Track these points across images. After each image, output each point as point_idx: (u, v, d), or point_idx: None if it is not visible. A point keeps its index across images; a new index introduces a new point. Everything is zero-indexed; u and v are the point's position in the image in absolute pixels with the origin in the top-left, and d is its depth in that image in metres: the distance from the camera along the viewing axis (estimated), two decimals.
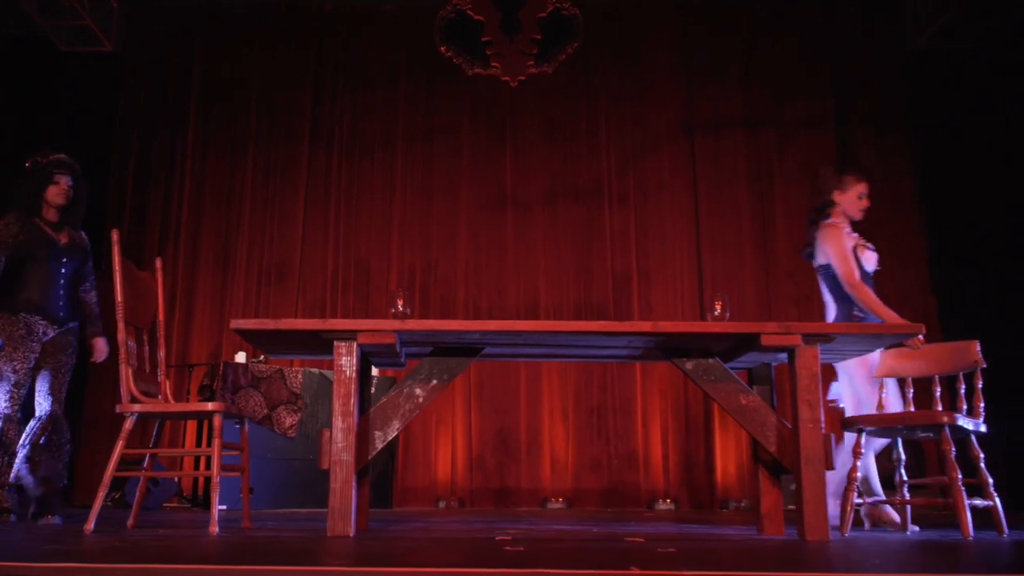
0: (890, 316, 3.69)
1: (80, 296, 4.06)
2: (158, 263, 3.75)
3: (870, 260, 3.95)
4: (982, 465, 3.30)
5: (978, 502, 3.27)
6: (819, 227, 4.02)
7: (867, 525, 3.94)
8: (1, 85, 7.11)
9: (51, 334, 3.89)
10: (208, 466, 3.24)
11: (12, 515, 3.77)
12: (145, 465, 3.55)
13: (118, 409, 3.28)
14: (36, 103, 7.31)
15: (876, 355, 3.72)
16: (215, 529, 3.04)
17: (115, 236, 3.41)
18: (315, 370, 6.08)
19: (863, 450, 3.46)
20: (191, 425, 6.76)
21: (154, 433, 3.66)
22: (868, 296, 3.77)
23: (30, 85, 7.41)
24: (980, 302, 6.55)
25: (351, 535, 2.85)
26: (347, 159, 7.74)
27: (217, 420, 3.26)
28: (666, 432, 7.22)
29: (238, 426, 3.66)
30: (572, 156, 7.73)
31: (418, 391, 3.13)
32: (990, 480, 3.30)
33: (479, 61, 7.79)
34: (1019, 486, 5.58)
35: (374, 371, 6.00)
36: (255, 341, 3.29)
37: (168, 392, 3.65)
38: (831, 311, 3.99)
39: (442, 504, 6.95)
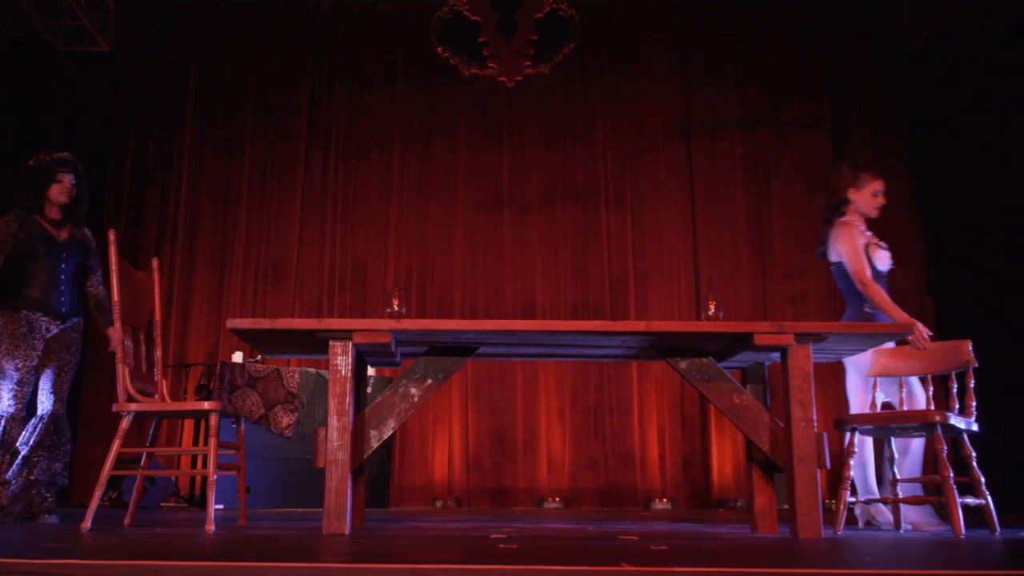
0: (899, 315, 3.69)
1: (88, 291, 4.06)
2: (155, 263, 3.76)
3: (883, 259, 3.94)
4: (974, 464, 3.33)
5: (970, 500, 3.29)
6: (833, 225, 4.00)
7: (860, 523, 3.96)
8: None
9: (54, 330, 3.89)
10: (205, 465, 3.25)
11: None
12: (142, 464, 3.56)
13: (115, 408, 3.29)
14: (33, 103, 7.31)
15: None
16: (211, 527, 3.06)
17: (112, 236, 3.43)
18: (312, 370, 6.09)
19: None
20: (188, 425, 6.77)
21: (151, 433, 3.67)
22: (878, 295, 3.77)
23: (27, 85, 7.42)
24: (977, 303, 6.58)
25: (347, 533, 2.87)
26: (344, 159, 7.76)
27: (213, 419, 3.27)
28: (662, 432, 7.24)
29: (235, 425, 3.67)
30: (569, 157, 7.74)
31: (413, 390, 3.14)
32: (982, 479, 3.33)
33: (476, 62, 7.81)
34: (1014, 486, 5.61)
35: (371, 371, 6.02)
36: (251, 341, 3.31)
37: (165, 391, 3.67)
38: (847, 308, 4.00)
39: (439, 504, 6.97)
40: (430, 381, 3.16)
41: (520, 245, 7.57)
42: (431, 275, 7.55)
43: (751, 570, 1.70)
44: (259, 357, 6.09)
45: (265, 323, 3.01)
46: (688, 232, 7.57)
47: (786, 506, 3.42)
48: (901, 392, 3.62)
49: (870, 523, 3.93)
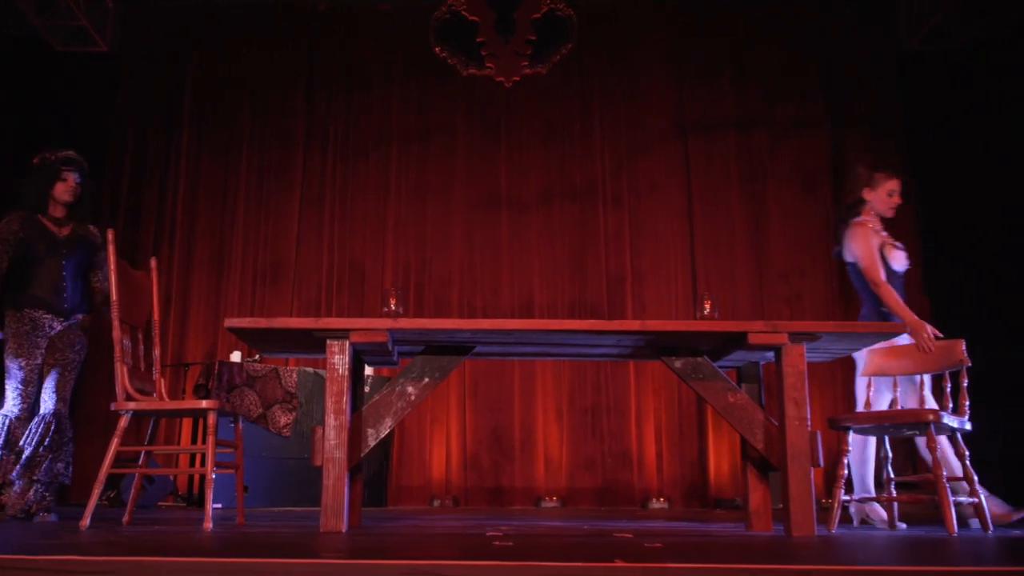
0: (908, 317, 3.69)
1: (94, 286, 4.07)
2: (153, 263, 3.78)
3: (899, 259, 3.92)
4: (967, 462, 3.35)
5: (963, 499, 3.31)
6: (848, 225, 3.99)
7: (855, 522, 3.98)
8: None
9: (57, 327, 3.91)
10: (203, 464, 3.27)
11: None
12: (140, 462, 3.58)
13: (113, 407, 3.31)
14: (32, 103, 7.32)
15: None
16: (209, 525, 3.08)
17: (111, 235, 3.45)
18: (310, 369, 6.12)
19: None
20: (186, 425, 6.80)
21: (149, 432, 3.69)
22: (890, 296, 3.77)
23: (26, 85, 7.43)
24: (975, 303, 6.59)
25: (344, 531, 2.89)
26: (342, 159, 7.78)
27: (211, 417, 3.29)
28: (660, 431, 7.26)
29: (233, 424, 3.69)
30: (566, 156, 7.77)
31: (410, 389, 3.16)
32: (975, 477, 3.35)
33: (474, 62, 7.83)
34: (1014, 486, 5.63)
35: (369, 370, 6.04)
36: (249, 340, 3.33)
37: (163, 390, 3.68)
38: (863, 308, 4.00)
39: (437, 503, 6.99)
40: (427, 380, 3.18)
41: (518, 245, 7.60)
42: (429, 275, 7.57)
43: (739, 566, 1.72)
44: (257, 356, 6.11)
45: (262, 322, 3.03)
46: (685, 232, 7.60)
47: (780, 505, 3.45)
48: (923, 391, 3.59)
49: (865, 521, 3.95)
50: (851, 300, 7.39)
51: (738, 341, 3.08)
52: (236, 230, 7.60)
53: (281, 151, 7.75)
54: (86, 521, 3.15)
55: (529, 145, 7.78)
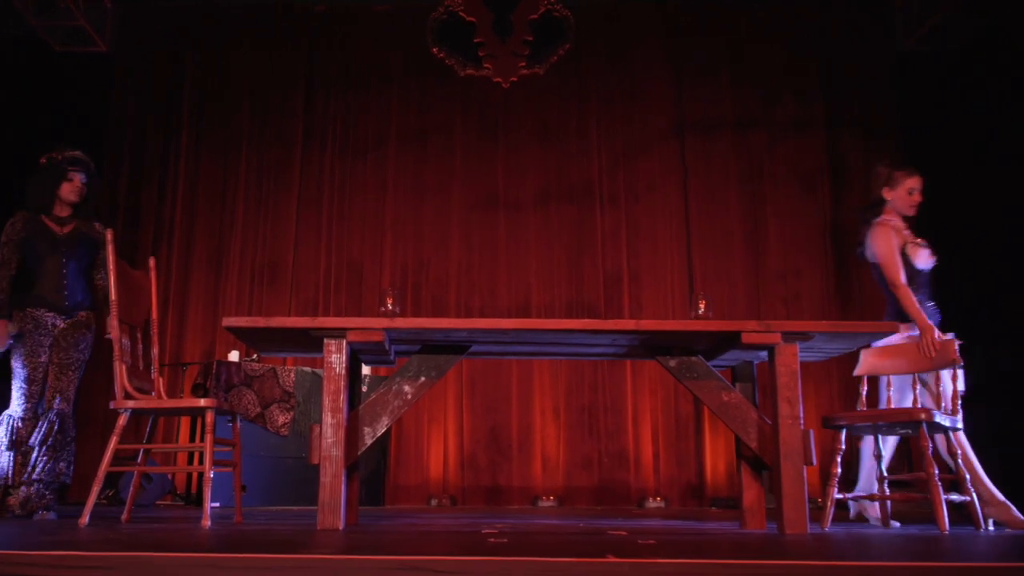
0: (920, 320, 3.68)
1: (97, 283, 4.09)
2: (151, 262, 3.80)
3: (923, 256, 3.91)
4: (960, 461, 3.38)
5: (955, 497, 3.34)
6: (870, 225, 3.97)
7: (851, 513, 3.98)
8: None
9: (60, 324, 3.93)
10: (201, 462, 3.29)
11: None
12: (139, 460, 3.61)
13: (112, 405, 3.34)
14: (30, 103, 7.34)
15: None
16: (207, 523, 3.10)
17: (109, 235, 3.47)
18: (308, 369, 6.14)
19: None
20: (184, 425, 6.81)
21: (147, 431, 3.71)
22: (907, 298, 3.75)
23: (24, 85, 7.45)
24: (971, 303, 6.61)
25: (340, 528, 2.91)
26: (340, 159, 7.80)
27: (210, 416, 3.31)
28: (656, 431, 7.29)
29: (231, 423, 3.72)
30: (564, 157, 7.79)
31: (407, 388, 3.19)
32: (967, 476, 3.38)
33: (471, 62, 7.85)
34: (1014, 486, 5.64)
35: (366, 369, 6.07)
36: (247, 339, 3.35)
37: (162, 389, 3.71)
38: (887, 307, 3.99)
39: (434, 502, 7.01)
40: (423, 379, 3.21)
41: (515, 245, 7.62)
42: (426, 274, 7.60)
43: (725, 561, 1.75)
44: (255, 356, 6.13)
45: (260, 321, 3.05)
46: (682, 232, 7.62)
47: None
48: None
49: (861, 517, 3.96)
50: (848, 300, 7.43)
51: (732, 341, 3.11)
52: (234, 230, 7.62)
53: (279, 151, 7.77)
54: (85, 519, 3.18)
55: (526, 145, 7.80)
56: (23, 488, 3.76)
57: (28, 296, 3.89)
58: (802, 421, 3.04)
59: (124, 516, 3.48)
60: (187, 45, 7.94)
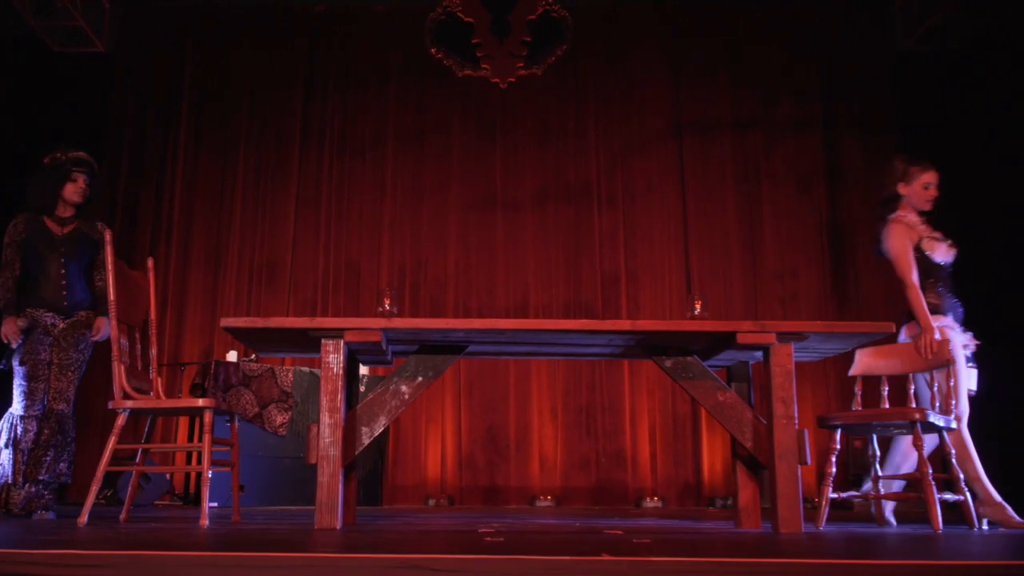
0: (924, 320, 3.63)
1: (96, 284, 4.08)
2: (150, 263, 3.81)
3: (940, 251, 3.84)
4: (953, 460, 3.39)
5: (949, 496, 3.36)
6: (885, 222, 3.92)
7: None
8: None
9: (60, 324, 3.94)
10: (199, 462, 3.31)
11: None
12: (137, 460, 3.62)
13: (111, 405, 3.35)
14: (28, 103, 7.35)
15: (956, 343, 3.66)
16: (205, 522, 3.12)
17: (108, 235, 3.49)
18: (305, 369, 6.15)
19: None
20: (182, 425, 6.82)
21: (146, 431, 3.73)
22: (915, 298, 3.69)
23: (22, 85, 7.46)
24: (972, 303, 6.62)
25: (338, 528, 2.93)
26: (338, 159, 7.81)
27: (208, 416, 3.33)
28: (654, 431, 7.31)
29: (229, 423, 3.73)
30: (561, 157, 7.81)
31: (404, 388, 3.21)
32: (961, 475, 3.40)
33: (469, 63, 7.87)
34: (1014, 486, 5.65)
35: (364, 370, 6.08)
36: (245, 339, 3.37)
37: (160, 389, 3.72)
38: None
39: (432, 502, 7.03)
40: (420, 379, 3.23)
41: (513, 245, 7.64)
42: (424, 275, 7.61)
43: (718, 559, 1.77)
44: (253, 356, 6.14)
45: (258, 322, 3.07)
46: (679, 232, 7.64)
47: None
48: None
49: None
50: (845, 300, 7.45)
51: (727, 341, 3.13)
52: (233, 230, 7.63)
53: (278, 151, 7.79)
54: (84, 518, 3.19)
55: (524, 146, 7.82)
56: (23, 488, 3.77)
57: (28, 296, 3.91)
58: (797, 421, 3.06)
59: (123, 516, 3.49)
60: (185, 45, 7.96)
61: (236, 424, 3.70)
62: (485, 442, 7.27)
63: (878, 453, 3.72)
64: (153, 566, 1.72)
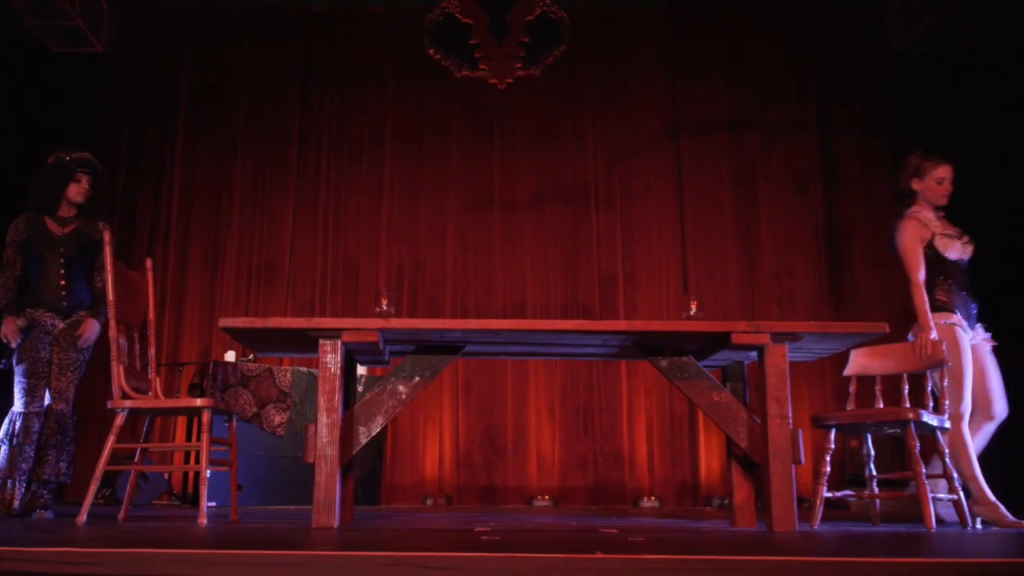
0: (924, 319, 3.65)
1: (96, 285, 4.08)
2: (148, 263, 3.83)
3: (954, 248, 3.81)
4: (947, 460, 3.42)
5: (943, 495, 3.38)
6: (900, 218, 3.89)
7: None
8: None
9: (59, 324, 3.95)
10: (197, 461, 3.33)
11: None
12: (136, 460, 3.64)
13: (109, 405, 3.37)
14: (26, 103, 7.35)
15: (963, 342, 3.67)
16: (204, 521, 3.13)
17: (107, 236, 3.50)
18: (304, 369, 6.17)
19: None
20: (181, 425, 6.84)
21: (144, 430, 3.74)
22: (918, 296, 3.69)
23: (20, 85, 7.46)
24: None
25: (335, 526, 2.95)
26: (336, 159, 7.83)
27: (206, 415, 3.35)
28: (651, 431, 7.32)
29: (227, 423, 3.75)
30: (559, 158, 7.82)
31: (401, 388, 3.22)
32: (955, 474, 3.42)
33: (467, 63, 7.88)
34: (1014, 485, 5.66)
35: (362, 370, 6.10)
36: (243, 339, 3.38)
37: (158, 389, 3.74)
38: None
39: (429, 502, 7.04)
40: (417, 379, 3.24)
41: (510, 245, 7.65)
42: (422, 275, 7.63)
43: (713, 557, 1.79)
44: (252, 356, 6.16)
45: (256, 322, 3.09)
46: (676, 233, 7.66)
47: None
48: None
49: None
50: (841, 300, 7.47)
51: (722, 341, 3.15)
52: (231, 230, 7.64)
53: (276, 151, 7.80)
54: (82, 517, 3.21)
55: (522, 146, 7.83)
56: (23, 487, 3.78)
57: (27, 297, 3.92)
58: (791, 420, 3.08)
59: (121, 515, 3.51)
60: (184, 45, 7.97)
61: (234, 424, 3.72)
62: (483, 442, 7.29)
63: (872, 453, 3.74)
64: (151, 564, 1.74)
